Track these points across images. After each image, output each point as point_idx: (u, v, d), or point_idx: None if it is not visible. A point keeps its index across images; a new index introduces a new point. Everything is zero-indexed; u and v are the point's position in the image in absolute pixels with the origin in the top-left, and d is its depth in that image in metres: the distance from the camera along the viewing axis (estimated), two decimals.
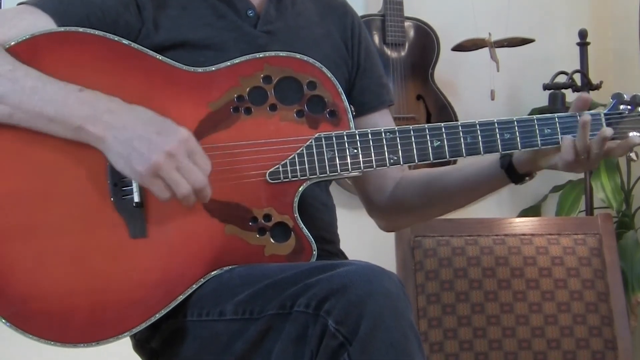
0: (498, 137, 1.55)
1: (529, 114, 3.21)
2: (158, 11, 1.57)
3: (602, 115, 1.58)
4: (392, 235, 2.19)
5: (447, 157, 1.53)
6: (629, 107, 1.59)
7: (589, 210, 3.04)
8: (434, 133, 1.53)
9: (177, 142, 1.39)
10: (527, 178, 1.63)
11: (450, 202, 1.74)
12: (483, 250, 2.20)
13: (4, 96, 1.41)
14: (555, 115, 1.57)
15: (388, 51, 3.07)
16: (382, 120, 1.75)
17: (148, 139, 1.38)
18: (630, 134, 1.57)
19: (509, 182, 1.63)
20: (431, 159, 1.53)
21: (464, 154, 1.54)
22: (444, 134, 1.53)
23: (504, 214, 3.20)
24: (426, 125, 1.53)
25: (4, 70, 1.42)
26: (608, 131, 1.53)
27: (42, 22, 1.49)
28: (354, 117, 1.55)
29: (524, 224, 2.30)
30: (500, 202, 3.28)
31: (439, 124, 1.53)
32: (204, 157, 1.42)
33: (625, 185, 3.21)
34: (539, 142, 1.55)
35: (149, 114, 1.42)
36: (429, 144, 1.53)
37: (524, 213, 3.28)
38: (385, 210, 1.79)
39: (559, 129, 1.56)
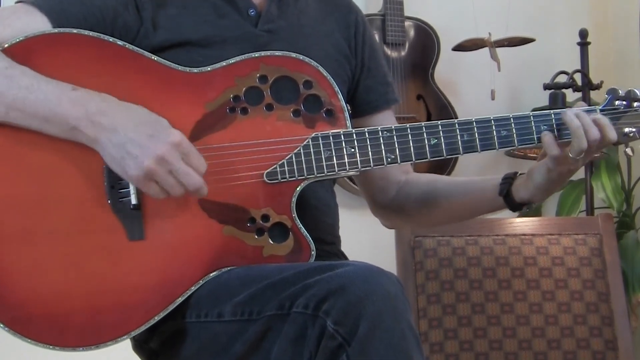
0: (495, 134, 1.55)
1: None
2: (157, 11, 1.56)
3: (598, 111, 1.58)
4: (392, 235, 2.19)
5: (445, 154, 1.53)
6: (624, 102, 1.60)
7: (590, 210, 3.04)
8: (431, 131, 1.53)
9: (169, 145, 1.38)
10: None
11: (451, 217, 1.76)
12: (483, 250, 2.20)
13: (0, 94, 1.40)
14: (552, 111, 1.57)
15: (388, 51, 3.07)
16: (387, 122, 1.73)
17: (140, 142, 1.38)
18: (626, 129, 1.58)
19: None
20: (428, 157, 1.53)
21: (461, 152, 1.54)
22: (441, 132, 1.53)
23: (505, 213, 3.18)
24: (423, 123, 1.53)
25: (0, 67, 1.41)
26: (613, 135, 1.54)
27: (37, 23, 1.48)
28: (358, 116, 1.54)
29: (524, 224, 2.29)
30: None
31: (436, 121, 1.53)
32: (199, 158, 1.42)
33: (626, 185, 3.21)
34: (535, 138, 1.56)
35: (142, 115, 1.42)
36: (426, 142, 1.52)
37: (525, 213, 3.26)
38: (388, 211, 1.80)
39: (555, 126, 1.56)
